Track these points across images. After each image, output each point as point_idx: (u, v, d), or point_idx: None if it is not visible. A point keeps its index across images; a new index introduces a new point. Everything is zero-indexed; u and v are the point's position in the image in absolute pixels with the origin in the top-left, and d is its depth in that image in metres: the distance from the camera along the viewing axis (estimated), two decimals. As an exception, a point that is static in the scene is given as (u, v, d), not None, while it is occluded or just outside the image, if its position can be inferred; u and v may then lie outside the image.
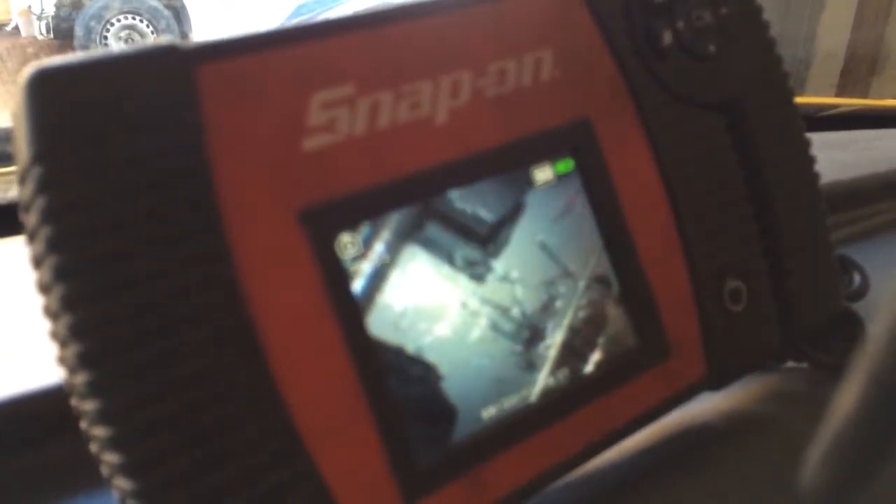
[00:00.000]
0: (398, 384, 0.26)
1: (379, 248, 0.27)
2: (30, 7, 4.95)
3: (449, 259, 0.28)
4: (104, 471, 0.23)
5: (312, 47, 0.26)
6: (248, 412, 0.24)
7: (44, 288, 0.23)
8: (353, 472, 0.25)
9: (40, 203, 0.22)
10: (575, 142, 0.31)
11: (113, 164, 0.23)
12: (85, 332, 0.22)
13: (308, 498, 0.24)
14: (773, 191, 0.35)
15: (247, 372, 0.24)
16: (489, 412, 0.28)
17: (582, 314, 0.30)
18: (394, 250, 0.27)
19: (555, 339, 0.30)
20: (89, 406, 0.22)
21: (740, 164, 0.35)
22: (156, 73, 0.24)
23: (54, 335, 0.23)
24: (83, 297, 0.22)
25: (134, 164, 0.23)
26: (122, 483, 0.22)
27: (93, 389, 0.22)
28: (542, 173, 0.30)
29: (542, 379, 0.29)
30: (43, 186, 0.22)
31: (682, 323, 0.32)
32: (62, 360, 0.23)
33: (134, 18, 4.91)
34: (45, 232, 0.22)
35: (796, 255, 0.35)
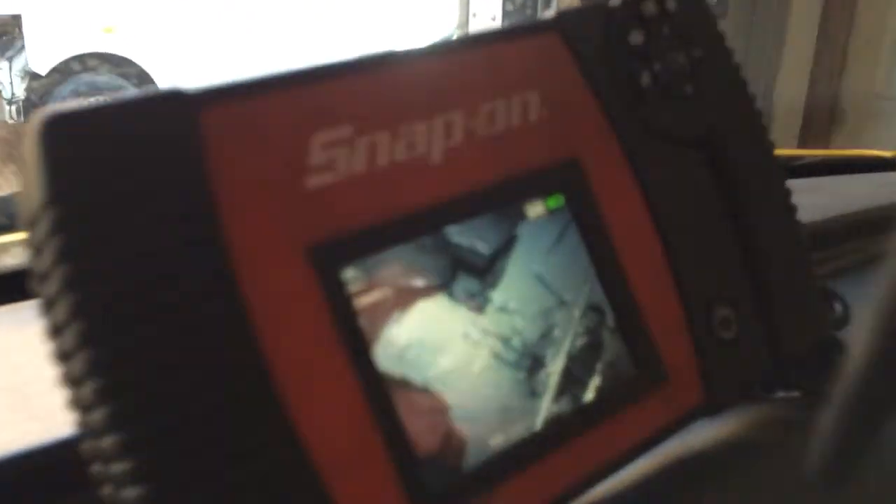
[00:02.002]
0: (408, 416, 0.27)
1: (382, 281, 0.27)
2: (0, 92, 4.98)
3: (449, 291, 0.29)
4: None
5: (312, 90, 0.28)
6: (265, 447, 0.24)
7: (58, 328, 0.23)
8: (367, 501, 0.25)
9: (55, 243, 0.23)
10: (564, 179, 0.32)
11: (124, 205, 0.23)
12: (103, 367, 0.22)
13: None
14: (753, 221, 0.36)
15: (262, 408, 0.24)
16: (497, 440, 0.28)
17: (579, 342, 0.31)
18: (396, 285, 0.28)
19: (555, 367, 0.30)
20: (109, 441, 0.22)
21: (721, 197, 0.36)
22: (162, 118, 0.25)
23: (68, 375, 0.23)
24: (100, 335, 0.22)
25: (144, 205, 0.24)
26: None
27: (114, 422, 0.22)
28: (534, 209, 0.31)
29: (546, 406, 0.30)
30: (58, 227, 0.23)
31: (676, 349, 0.33)
32: (76, 400, 0.23)
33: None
34: (60, 272, 0.23)
35: (780, 283, 0.36)
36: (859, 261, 0.62)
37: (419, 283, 0.28)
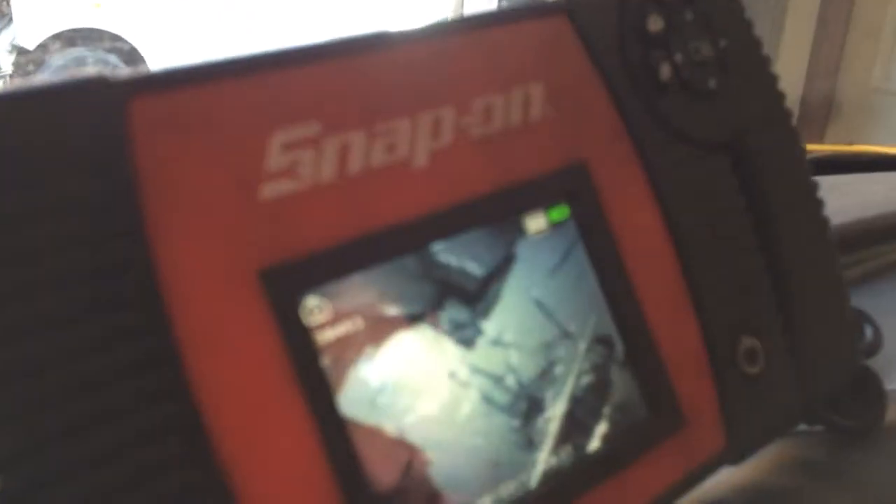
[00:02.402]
0: (379, 475, 0.22)
1: (352, 312, 0.23)
2: (-13, 66, 4.88)
3: (433, 322, 0.24)
4: None
5: (271, 79, 0.23)
6: None
7: None
8: None
9: None
10: (570, 187, 0.27)
11: (28, 214, 0.19)
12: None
13: None
14: (783, 238, 0.32)
15: (195, 468, 0.20)
16: (483, 501, 0.24)
17: (584, 380, 0.26)
18: (369, 315, 0.23)
19: (555, 411, 0.26)
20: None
21: (748, 210, 0.31)
22: (81, 109, 0.20)
23: None
24: None
25: (52, 216, 0.19)
26: None
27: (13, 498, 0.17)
28: (535, 222, 0.27)
29: (543, 459, 0.25)
30: None
31: (695, 388, 0.29)
32: None
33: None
34: None
35: (812, 309, 0.32)
36: (879, 268, 0.57)
37: (397, 311, 0.24)
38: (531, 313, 0.26)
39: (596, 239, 0.27)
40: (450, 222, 0.25)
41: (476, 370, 0.24)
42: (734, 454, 0.29)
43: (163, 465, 0.19)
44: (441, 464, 0.23)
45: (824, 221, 0.34)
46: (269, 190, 0.22)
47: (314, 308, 0.22)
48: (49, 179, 0.19)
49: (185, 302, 0.20)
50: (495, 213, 0.26)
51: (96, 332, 0.19)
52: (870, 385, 0.35)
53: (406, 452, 0.23)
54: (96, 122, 0.20)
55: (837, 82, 2.97)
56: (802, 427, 0.36)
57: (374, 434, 0.22)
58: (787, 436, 0.36)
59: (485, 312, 0.25)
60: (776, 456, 0.34)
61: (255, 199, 0.22)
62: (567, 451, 0.26)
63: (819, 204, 0.34)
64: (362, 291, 0.23)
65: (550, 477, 0.25)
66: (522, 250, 0.26)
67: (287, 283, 0.22)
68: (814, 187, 0.34)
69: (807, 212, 0.33)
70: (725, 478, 0.33)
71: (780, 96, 0.33)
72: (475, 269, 0.25)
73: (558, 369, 0.26)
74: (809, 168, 0.34)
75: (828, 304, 0.33)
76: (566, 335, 0.26)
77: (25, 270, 0.18)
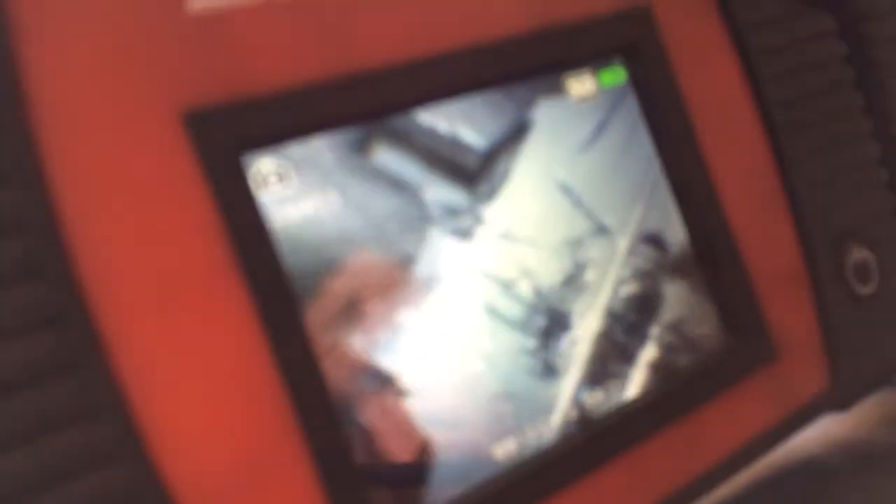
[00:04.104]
0: (345, 409, 0.16)
1: (316, 184, 0.16)
2: None
3: (417, 205, 0.18)
4: None
5: None
6: (90, 452, 0.14)
7: None
8: None
9: None
10: (629, 39, 0.21)
11: None
12: None
13: None
14: None
15: (86, 386, 0.14)
16: (493, 451, 0.18)
17: (625, 290, 0.20)
18: (339, 189, 0.17)
19: (586, 329, 0.19)
20: None
21: (858, 87, 0.24)
22: None
23: None
24: None
25: None
26: None
27: None
28: (581, 85, 0.20)
29: (568, 395, 0.19)
30: None
31: (791, 310, 0.22)
32: None
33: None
34: None
35: None
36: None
37: (373, 189, 0.17)
38: (553, 199, 0.19)
39: (660, 110, 0.21)
40: (463, 73, 0.18)
41: (476, 271, 0.18)
42: (840, 397, 0.23)
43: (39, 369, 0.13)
44: (425, 396, 0.17)
45: None
46: (201, 2, 0.16)
47: (269, 175, 0.16)
48: None
49: (69, 153, 0.14)
50: (524, 71, 0.19)
51: None
52: None
53: (378, 380, 0.17)
54: None
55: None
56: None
57: (340, 355, 0.16)
58: None
59: (487, 196, 0.19)
60: (887, 408, 0.27)
61: (180, 14, 0.16)
62: (602, 389, 0.19)
63: None
64: (329, 158, 0.17)
65: (577, 423, 0.19)
66: (542, 116, 0.20)
67: (227, 129, 0.15)
68: None
69: None
70: (826, 433, 0.26)
71: None
72: (475, 138, 0.19)
73: (589, 274, 0.19)
74: None
75: None
76: (601, 230, 0.20)
77: None
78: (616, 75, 0.21)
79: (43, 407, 0.13)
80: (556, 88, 0.20)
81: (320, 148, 0.17)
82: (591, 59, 0.21)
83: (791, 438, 0.22)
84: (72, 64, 0.15)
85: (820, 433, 0.26)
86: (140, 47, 0.15)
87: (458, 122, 0.19)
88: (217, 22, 0.16)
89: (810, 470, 0.24)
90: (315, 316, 0.16)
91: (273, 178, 0.16)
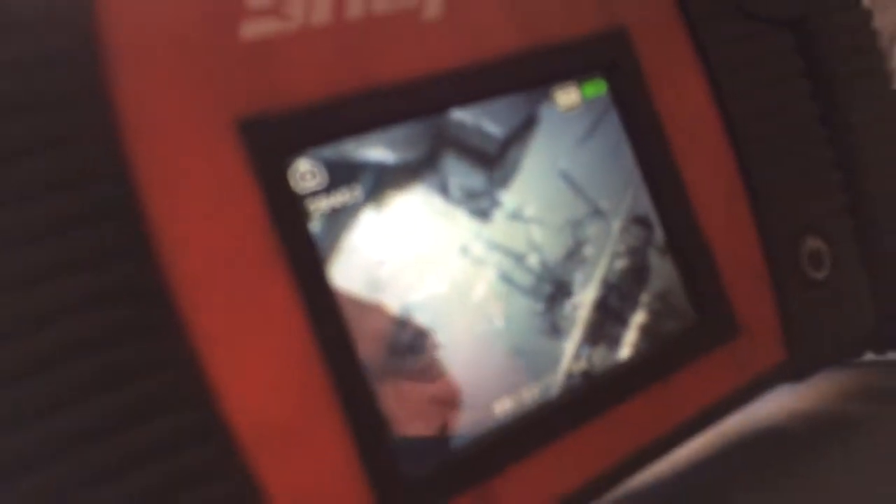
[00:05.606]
0: (377, 359, 0.19)
1: (350, 182, 0.19)
2: None
3: (442, 188, 0.21)
4: None
5: None
6: (164, 401, 0.16)
7: None
8: (311, 488, 0.18)
9: None
10: (608, 57, 0.24)
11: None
12: None
13: None
14: (854, 129, 0.28)
15: (163, 347, 0.17)
16: (503, 404, 0.21)
17: (618, 264, 0.23)
18: (370, 184, 0.20)
19: (585, 297, 0.22)
20: None
21: (814, 96, 0.27)
22: None
23: None
24: None
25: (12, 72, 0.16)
26: None
27: None
28: (567, 96, 0.23)
29: (571, 350, 0.22)
30: None
31: (751, 290, 0.25)
32: None
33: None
34: None
35: (886, 211, 0.28)
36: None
37: (402, 179, 0.20)
38: (557, 185, 0.23)
39: (635, 111, 0.24)
40: (465, 86, 0.21)
41: (493, 246, 0.21)
42: (795, 369, 0.26)
43: (120, 333, 0.16)
44: (454, 349, 0.20)
45: None
46: (252, 29, 0.19)
47: (306, 173, 0.19)
48: (13, 35, 0.16)
49: (149, 155, 0.17)
50: (520, 81, 0.22)
51: (65, 197, 0.16)
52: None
53: (411, 335, 0.20)
54: None
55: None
56: (874, 357, 0.32)
57: (375, 312, 0.19)
58: (858, 364, 0.32)
59: (503, 181, 0.22)
60: (844, 384, 0.30)
61: (235, 39, 0.19)
62: (600, 346, 0.22)
63: (895, 95, 0.30)
64: (362, 156, 0.20)
65: (580, 374, 0.22)
66: (548, 114, 0.23)
67: (274, 137, 0.18)
68: (889, 76, 0.30)
69: (882, 101, 0.29)
70: (786, 404, 0.29)
71: None
72: (494, 129, 0.22)
73: (588, 250, 0.23)
74: (882, 53, 0.29)
75: None
76: (597, 212, 0.23)
77: None
78: (598, 87, 0.24)
79: (128, 360, 0.16)
80: (546, 98, 0.23)
81: (352, 149, 0.20)
82: (577, 73, 0.24)
83: (753, 401, 0.25)
84: (155, 84, 0.18)
85: (781, 406, 0.29)
86: (204, 69, 0.18)
87: (482, 117, 0.22)
88: (265, 45, 0.19)
89: (772, 438, 0.27)
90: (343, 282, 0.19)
91: (310, 176, 0.19)
